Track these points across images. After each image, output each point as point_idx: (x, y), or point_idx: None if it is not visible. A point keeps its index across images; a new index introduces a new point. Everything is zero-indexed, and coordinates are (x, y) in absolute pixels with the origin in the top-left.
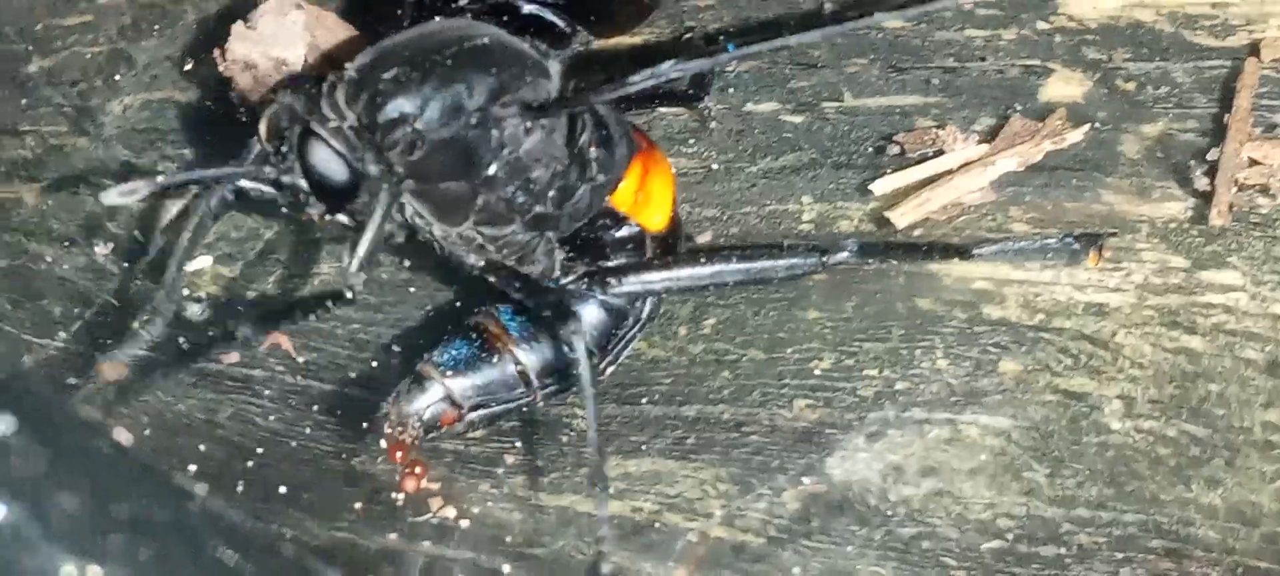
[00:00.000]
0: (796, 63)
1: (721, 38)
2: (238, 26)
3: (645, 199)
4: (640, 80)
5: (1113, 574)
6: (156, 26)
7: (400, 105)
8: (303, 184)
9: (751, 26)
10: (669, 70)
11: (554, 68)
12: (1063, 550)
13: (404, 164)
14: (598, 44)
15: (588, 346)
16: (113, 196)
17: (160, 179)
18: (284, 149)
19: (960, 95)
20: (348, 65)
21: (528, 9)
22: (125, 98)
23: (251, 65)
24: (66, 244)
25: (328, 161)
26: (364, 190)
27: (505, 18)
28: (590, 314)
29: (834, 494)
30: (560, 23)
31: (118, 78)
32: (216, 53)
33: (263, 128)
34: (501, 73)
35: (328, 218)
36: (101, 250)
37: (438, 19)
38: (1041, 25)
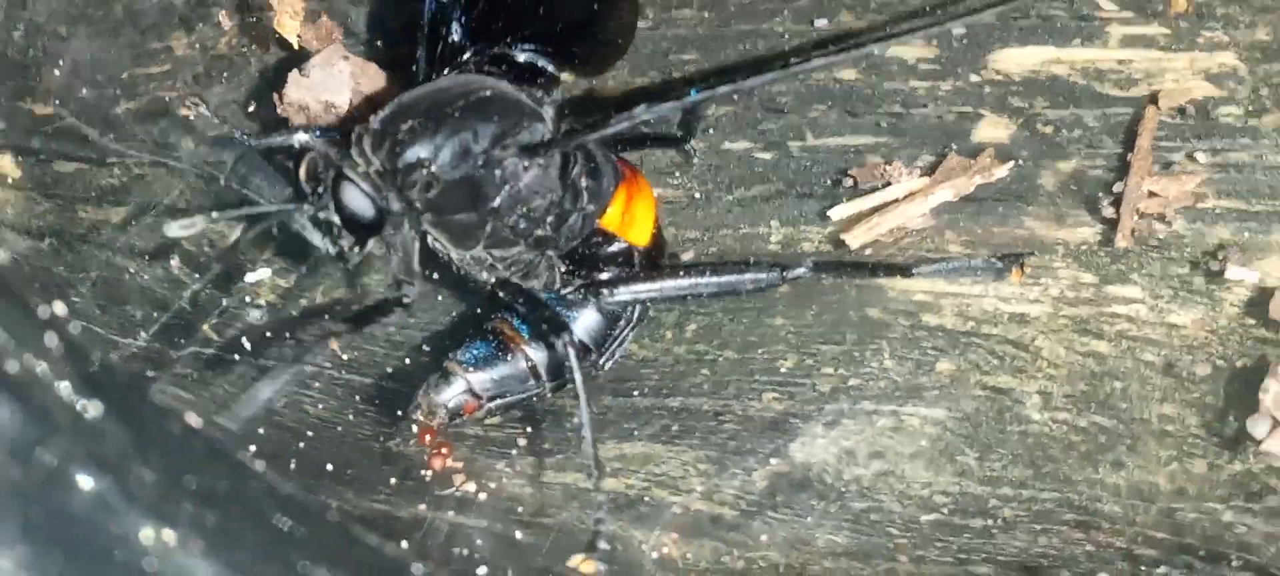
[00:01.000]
0: (766, 108)
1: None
2: (294, 75)
3: (630, 220)
4: (618, 122)
5: (1032, 542)
6: (225, 75)
7: (417, 151)
8: (336, 219)
9: (727, 68)
10: (641, 114)
11: (547, 112)
12: (990, 521)
13: (422, 200)
14: (596, 93)
15: (580, 348)
16: (174, 230)
17: (214, 215)
18: (320, 190)
19: (905, 136)
20: (371, 118)
21: (523, 58)
22: (199, 134)
23: (305, 107)
24: (147, 258)
25: (357, 200)
26: (388, 224)
27: (504, 66)
28: (589, 317)
29: (796, 473)
30: (550, 67)
31: (192, 118)
32: (275, 97)
33: (302, 172)
34: (502, 120)
35: (356, 248)
36: (176, 264)
37: (448, 72)
38: (974, 78)
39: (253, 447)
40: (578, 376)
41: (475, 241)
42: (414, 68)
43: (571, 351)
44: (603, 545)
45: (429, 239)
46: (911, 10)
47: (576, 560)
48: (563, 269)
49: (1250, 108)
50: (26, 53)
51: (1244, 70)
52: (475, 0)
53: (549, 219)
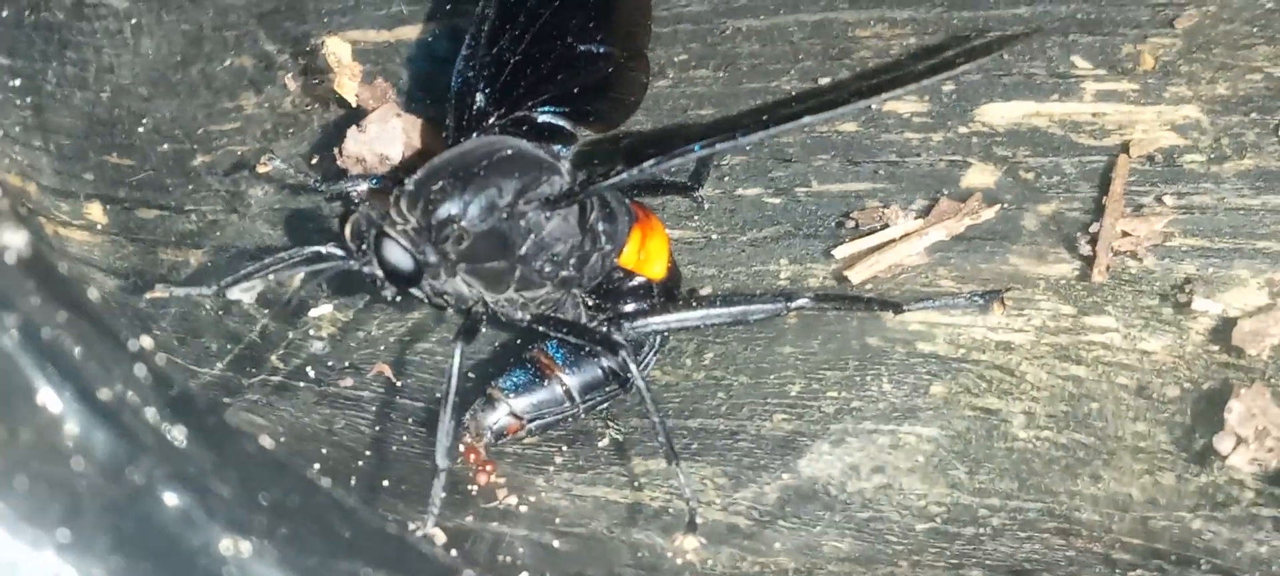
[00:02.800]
0: (775, 158)
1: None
2: (352, 131)
3: (646, 256)
4: (629, 173)
5: (1018, 548)
6: (290, 130)
7: (448, 209)
8: (378, 272)
9: (735, 122)
10: (649, 166)
11: (565, 166)
12: (980, 530)
13: (455, 252)
14: (613, 145)
15: (610, 373)
16: (236, 292)
17: (271, 276)
18: (364, 246)
19: (901, 182)
20: (406, 180)
21: (542, 119)
22: (267, 185)
23: (362, 160)
24: (221, 295)
25: (396, 255)
26: (426, 274)
27: (525, 128)
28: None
29: (805, 487)
30: (567, 126)
31: (269, 171)
32: (336, 150)
33: (347, 231)
34: (523, 176)
35: (398, 297)
36: (248, 300)
37: (475, 136)
38: (962, 130)
39: (318, 466)
40: (640, 380)
41: (507, 286)
42: (444, 134)
43: (630, 360)
44: (698, 520)
45: (465, 285)
46: (905, 69)
47: (679, 538)
48: (588, 304)
49: (1212, 155)
50: (113, 111)
51: (1206, 122)
52: (497, 70)
53: (572, 261)
